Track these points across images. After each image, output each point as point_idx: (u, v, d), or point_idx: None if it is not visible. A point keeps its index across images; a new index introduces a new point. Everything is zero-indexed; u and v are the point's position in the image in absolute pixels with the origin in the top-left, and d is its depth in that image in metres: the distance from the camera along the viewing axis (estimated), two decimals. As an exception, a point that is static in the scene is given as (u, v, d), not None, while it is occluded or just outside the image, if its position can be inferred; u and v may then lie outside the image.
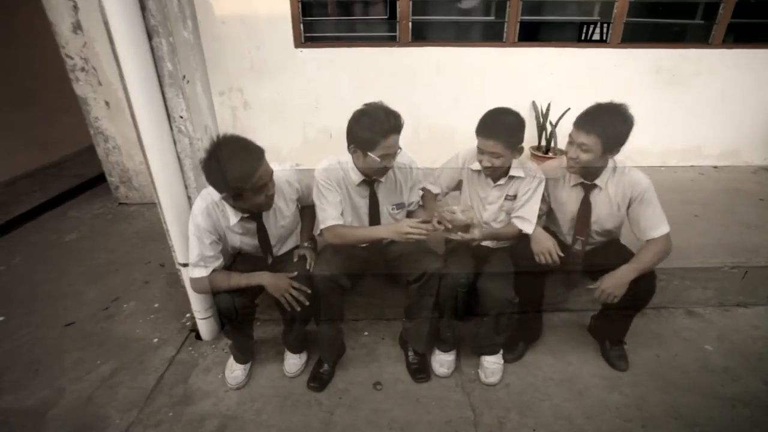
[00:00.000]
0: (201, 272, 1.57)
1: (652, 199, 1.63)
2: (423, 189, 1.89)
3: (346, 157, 1.66)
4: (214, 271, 1.59)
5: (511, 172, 1.72)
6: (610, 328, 1.86)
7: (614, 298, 1.59)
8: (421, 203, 1.87)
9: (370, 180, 1.68)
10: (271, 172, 1.47)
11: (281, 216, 1.69)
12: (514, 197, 1.76)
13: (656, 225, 1.64)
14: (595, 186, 1.67)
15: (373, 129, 1.48)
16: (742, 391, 1.70)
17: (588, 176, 1.66)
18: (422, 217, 1.69)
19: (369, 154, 1.52)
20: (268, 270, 1.64)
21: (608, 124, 1.52)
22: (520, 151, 1.64)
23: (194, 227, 1.54)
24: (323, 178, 1.67)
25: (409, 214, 1.86)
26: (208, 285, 1.59)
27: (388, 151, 1.52)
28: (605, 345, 1.88)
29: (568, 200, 1.75)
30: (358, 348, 1.96)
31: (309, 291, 1.60)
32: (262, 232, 1.65)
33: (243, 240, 1.66)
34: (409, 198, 1.83)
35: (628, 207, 1.68)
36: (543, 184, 1.75)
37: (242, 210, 1.55)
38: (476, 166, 1.74)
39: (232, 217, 1.56)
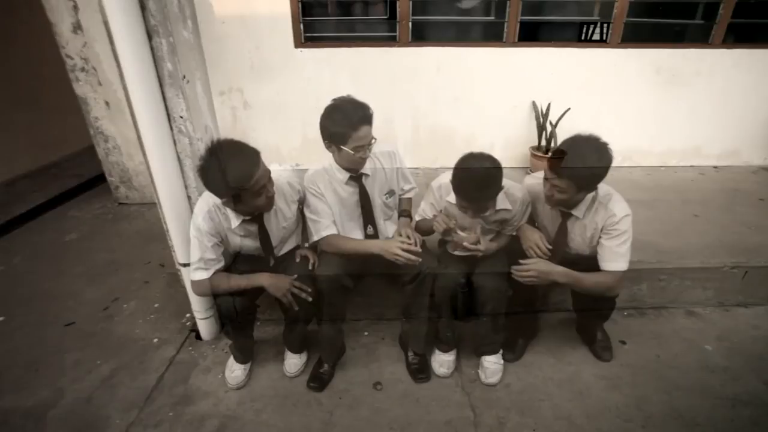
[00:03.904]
0: (202, 275, 1.57)
1: (620, 233, 1.57)
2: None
3: (331, 159, 1.68)
4: (214, 272, 1.59)
5: (497, 205, 1.67)
6: (582, 330, 1.95)
7: (529, 280, 1.58)
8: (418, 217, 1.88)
9: (357, 175, 1.69)
10: (269, 172, 1.48)
11: (282, 217, 1.69)
12: (502, 222, 1.75)
13: (612, 259, 1.58)
14: (572, 215, 1.65)
15: (343, 122, 1.51)
16: (742, 391, 1.70)
17: (566, 206, 1.63)
18: (409, 233, 1.69)
19: (343, 147, 1.54)
20: (269, 270, 1.64)
21: (580, 165, 1.46)
22: (501, 189, 1.61)
23: (195, 230, 1.54)
24: (310, 186, 1.69)
25: (402, 203, 1.89)
26: (208, 287, 1.59)
27: (360, 142, 1.54)
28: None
29: (547, 220, 1.75)
30: (358, 348, 1.96)
31: (310, 290, 1.60)
32: (263, 234, 1.65)
33: (244, 242, 1.65)
34: (399, 184, 1.84)
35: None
36: (530, 205, 1.75)
37: (243, 213, 1.55)
38: (452, 199, 1.69)
39: (234, 220, 1.56)
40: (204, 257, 1.55)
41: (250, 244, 1.67)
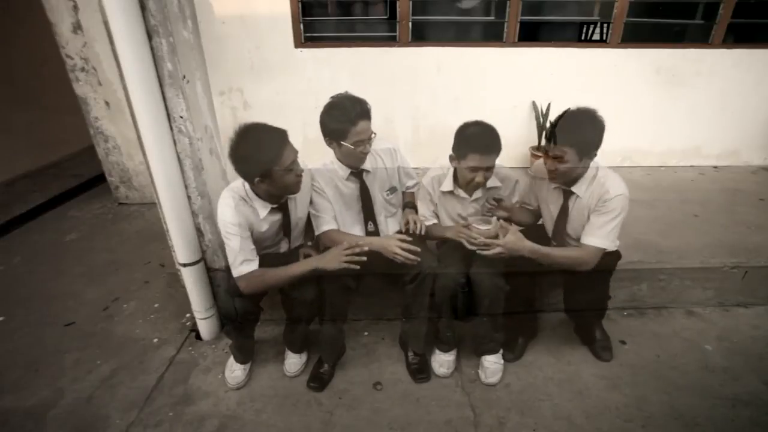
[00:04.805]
0: (249, 266, 1.54)
1: (608, 211, 1.56)
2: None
3: (332, 156, 1.71)
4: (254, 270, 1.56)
5: (488, 183, 1.73)
6: (579, 330, 1.96)
7: (491, 250, 1.54)
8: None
9: (357, 171, 1.71)
10: (296, 151, 1.50)
11: (301, 207, 1.72)
12: (497, 202, 1.79)
13: (593, 233, 1.58)
14: (573, 193, 1.65)
15: (342, 118, 1.54)
16: (742, 391, 1.70)
17: (567, 182, 1.64)
18: (415, 218, 1.73)
19: (343, 143, 1.57)
20: (281, 263, 1.62)
21: (578, 132, 1.53)
22: (501, 148, 1.65)
23: (230, 226, 1.52)
24: (312, 183, 1.71)
25: (406, 196, 1.91)
26: (259, 279, 1.55)
27: (360, 137, 1.57)
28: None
29: (551, 202, 1.77)
30: (358, 348, 1.96)
31: (366, 248, 1.55)
32: (286, 221, 1.67)
33: (263, 236, 1.64)
34: (402, 181, 1.87)
35: None
36: (519, 182, 1.81)
37: (271, 197, 1.56)
38: (446, 187, 1.77)
39: (262, 210, 1.57)
40: (245, 248, 1.54)
41: (267, 237, 1.67)
